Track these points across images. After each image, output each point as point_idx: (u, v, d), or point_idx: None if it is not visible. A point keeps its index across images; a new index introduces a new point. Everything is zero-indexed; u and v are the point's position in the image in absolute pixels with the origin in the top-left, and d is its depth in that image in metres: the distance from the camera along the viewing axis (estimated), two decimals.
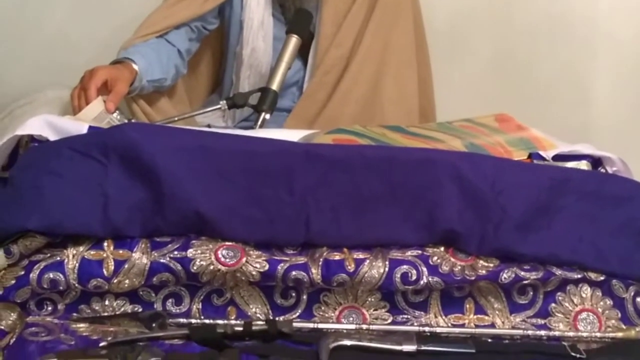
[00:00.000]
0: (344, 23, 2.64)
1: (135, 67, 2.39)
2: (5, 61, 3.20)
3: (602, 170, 2.01)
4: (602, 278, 1.77)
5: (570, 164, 1.97)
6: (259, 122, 2.40)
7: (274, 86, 2.43)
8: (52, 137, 1.81)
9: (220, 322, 1.68)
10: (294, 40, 2.48)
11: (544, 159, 1.98)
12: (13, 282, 1.64)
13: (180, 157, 1.71)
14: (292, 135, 2.05)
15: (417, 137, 2.02)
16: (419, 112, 2.76)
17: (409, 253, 1.74)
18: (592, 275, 1.77)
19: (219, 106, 2.43)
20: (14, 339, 1.55)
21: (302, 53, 2.65)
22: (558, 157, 2.00)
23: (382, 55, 2.67)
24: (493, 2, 3.22)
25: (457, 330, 1.73)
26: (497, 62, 3.29)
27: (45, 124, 1.82)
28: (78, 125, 1.84)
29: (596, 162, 2.02)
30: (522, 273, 1.74)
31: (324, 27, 2.64)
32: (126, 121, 2.19)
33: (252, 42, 2.68)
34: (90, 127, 1.84)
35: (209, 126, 2.65)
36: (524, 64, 3.28)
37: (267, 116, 2.41)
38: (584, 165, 1.98)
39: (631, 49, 3.29)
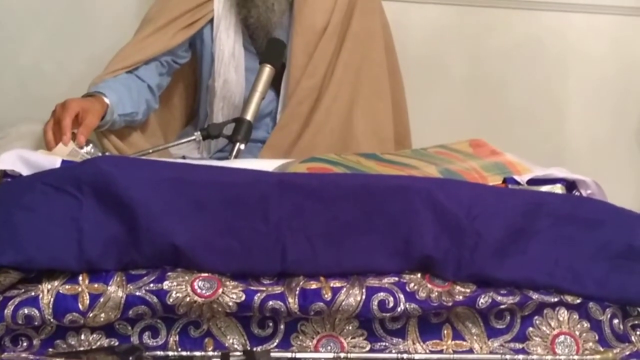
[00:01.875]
0: (314, 53, 2.65)
1: (106, 100, 2.38)
2: None
3: (577, 194, 2.01)
4: (578, 301, 1.77)
5: (544, 188, 1.98)
6: (234, 153, 2.40)
7: (248, 116, 2.43)
8: (25, 172, 1.80)
9: (197, 354, 1.67)
10: (267, 70, 2.48)
11: (518, 183, 1.99)
12: None
13: (155, 189, 1.70)
14: (267, 164, 2.05)
15: (392, 165, 2.02)
16: (395, 139, 2.77)
17: (385, 280, 1.73)
18: (569, 299, 1.77)
19: (193, 137, 2.43)
20: None
21: (275, 84, 2.66)
22: (532, 182, 2.00)
23: (355, 86, 2.68)
24: (465, 26, 3.26)
25: (435, 356, 1.73)
26: (471, 85, 3.33)
27: (18, 159, 1.81)
28: (51, 160, 1.84)
29: (570, 185, 2.03)
30: (499, 298, 1.74)
31: (295, 58, 2.65)
32: (100, 154, 2.18)
33: (224, 74, 2.69)
34: (64, 162, 1.83)
35: (184, 158, 2.66)
36: (498, 86, 3.33)
37: (242, 146, 2.41)
38: (558, 189, 1.98)
39: (604, 67, 3.34)
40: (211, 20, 2.69)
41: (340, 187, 1.77)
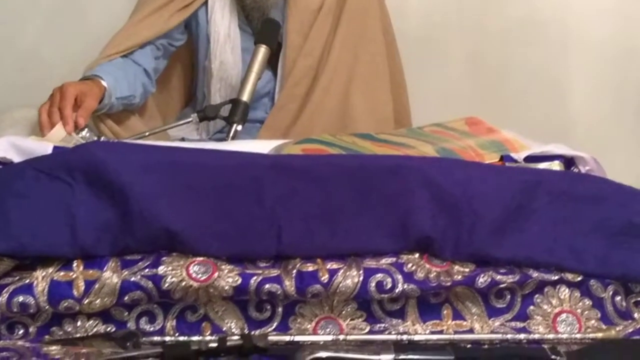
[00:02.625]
0: (310, 33, 2.63)
1: (104, 83, 2.37)
2: None
3: (575, 170, 1.99)
4: (579, 279, 1.75)
5: (542, 165, 1.96)
6: (231, 134, 2.38)
7: (245, 97, 2.41)
8: (17, 159, 1.79)
9: (194, 338, 1.65)
10: (262, 50, 2.47)
11: (515, 161, 1.97)
12: None
13: (148, 174, 1.69)
14: (264, 146, 2.04)
15: (387, 144, 2.00)
16: (394, 119, 2.75)
17: (383, 261, 1.71)
18: (570, 276, 1.75)
19: (190, 119, 2.42)
20: None
21: (272, 63, 2.64)
22: (530, 159, 1.98)
23: (352, 65, 2.66)
24: (464, 8, 3.24)
25: (435, 337, 1.70)
26: (471, 67, 3.31)
27: (9, 146, 1.80)
28: (43, 146, 1.82)
29: (569, 162, 2.01)
30: (499, 277, 1.72)
31: (290, 38, 2.63)
32: (95, 139, 2.17)
33: (220, 55, 2.68)
34: (56, 148, 1.82)
35: (183, 139, 2.65)
36: (498, 67, 3.30)
37: (239, 127, 2.39)
38: (556, 165, 1.97)
39: (604, 48, 3.31)
40: (206, 2, 2.67)
41: (335, 167, 1.75)
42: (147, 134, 2.39)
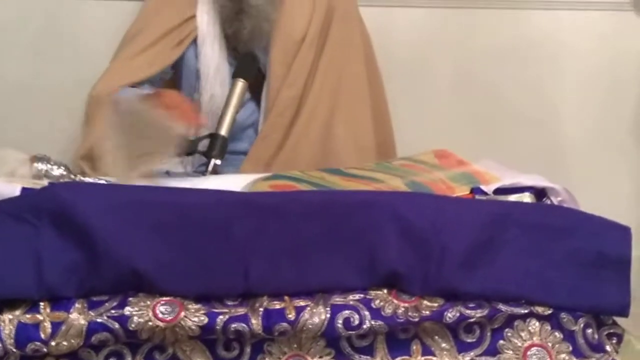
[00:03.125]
0: (293, 64, 2.63)
1: None
2: None
3: (547, 202, 1.98)
4: (549, 312, 1.75)
5: (512, 197, 1.95)
6: (209, 168, 2.38)
7: (223, 131, 2.41)
8: None
9: None
10: (240, 84, 2.47)
11: (485, 193, 1.96)
12: None
13: (113, 213, 1.68)
14: (239, 181, 2.03)
15: (356, 179, 2.00)
16: (377, 149, 2.74)
17: (350, 297, 1.71)
18: (540, 309, 1.75)
19: None
20: None
21: (256, 95, 2.64)
22: (500, 191, 1.97)
23: (334, 94, 2.66)
24: (451, 27, 3.25)
25: None
26: (460, 88, 3.31)
27: None
28: (11, 188, 1.82)
29: (540, 193, 1.99)
30: (467, 311, 1.72)
31: (273, 68, 2.63)
32: (72, 177, 2.16)
33: (210, 89, 2.67)
34: (24, 189, 1.82)
35: (167, 173, 2.63)
36: (489, 87, 3.30)
37: (218, 162, 2.39)
38: (527, 197, 1.95)
39: (595, 63, 3.31)
40: (195, 37, 2.68)
41: (302, 203, 1.75)
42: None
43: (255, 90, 2.61)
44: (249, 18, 2.60)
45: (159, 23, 2.67)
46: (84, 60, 3.16)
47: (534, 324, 1.75)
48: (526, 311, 1.74)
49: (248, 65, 2.55)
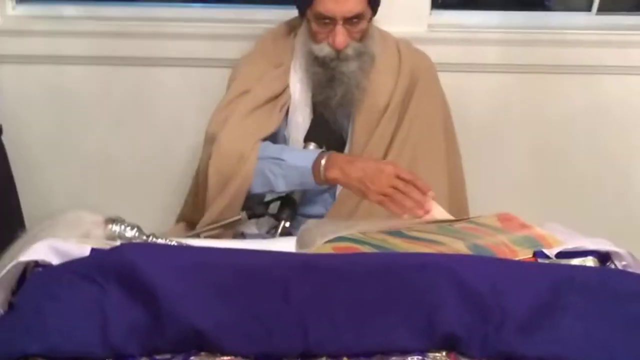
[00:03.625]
0: (375, 131, 2.67)
1: None
2: (53, 181, 3.32)
3: (611, 266, 1.97)
4: None
5: (575, 261, 1.94)
6: (279, 231, 2.42)
7: (294, 194, 2.45)
8: (56, 261, 1.84)
9: None
10: (310, 148, 2.51)
11: (548, 257, 1.95)
12: None
13: (177, 275, 1.74)
14: None
15: (418, 241, 2.01)
16: (455, 216, 2.74)
17: (409, 359, 1.72)
18: None
19: (239, 217, 2.46)
20: None
21: None
22: (564, 254, 1.96)
23: (411, 161, 2.67)
24: (527, 96, 3.24)
25: None
26: (532, 150, 3.31)
27: (49, 249, 1.86)
28: (81, 248, 1.88)
29: (604, 257, 1.98)
30: None
31: (356, 135, 2.68)
32: (145, 238, 2.22)
33: None
34: (93, 250, 1.87)
35: (242, 234, 2.69)
36: (562, 154, 3.30)
37: (287, 224, 2.42)
38: (589, 261, 1.94)
39: None
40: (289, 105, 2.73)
41: (361, 265, 1.78)
42: (202, 230, 2.44)
43: None
44: (341, 85, 2.64)
45: (263, 89, 2.71)
46: (163, 128, 3.25)
47: None
48: None
49: (320, 130, 2.58)
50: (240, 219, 2.47)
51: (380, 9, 2.68)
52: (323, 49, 2.61)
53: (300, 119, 2.72)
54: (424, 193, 2.30)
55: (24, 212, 3.21)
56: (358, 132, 2.70)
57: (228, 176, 2.53)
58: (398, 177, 2.33)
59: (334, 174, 2.41)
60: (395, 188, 2.32)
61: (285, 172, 2.48)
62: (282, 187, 2.51)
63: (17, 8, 3.35)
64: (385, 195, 2.33)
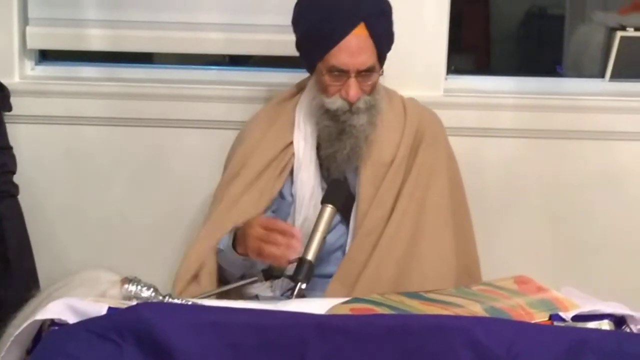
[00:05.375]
0: (382, 185, 2.67)
1: None
2: (69, 242, 3.33)
3: (627, 329, 1.96)
4: None
5: (591, 324, 1.94)
6: (295, 292, 2.41)
7: (309, 256, 2.44)
8: (72, 320, 1.84)
9: None
10: (328, 210, 2.50)
11: (564, 320, 1.95)
12: None
13: (194, 334, 1.74)
14: (320, 305, 2.05)
15: (435, 304, 2.01)
16: (464, 271, 2.75)
17: None
18: None
19: (255, 278, 2.46)
20: None
21: (346, 217, 2.69)
22: (580, 318, 1.96)
23: (418, 215, 2.68)
24: (540, 162, 3.27)
25: None
26: (549, 219, 3.30)
27: (65, 307, 1.86)
28: (97, 307, 1.88)
29: (620, 320, 1.98)
30: None
31: (363, 190, 2.68)
32: (161, 298, 2.22)
33: (304, 212, 2.71)
34: (110, 309, 1.88)
35: (256, 297, 2.68)
36: (577, 219, 3.29)
37: (303, 286, 2.42)
38: (605, 324, 1.94)
39: None
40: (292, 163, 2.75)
41: (378, 327, 1.78)
42: (216, 291, 2.43)
43: (344, 212, 2.65)
44: (350, 138, 2.65)
45: (259, 156, 2.73)
46: (179, 188, 3.27)
47: None
48: None
49: (337, 191, 2.58)
50: (256, 280, 2.46)
51: (397, 73, 2.72)
52: (335, 102, 2.63)
53: (306, 176, 2.73)
54: (290, 235, 2.34)
55: (39, 273, 3.22)
56: (365, 186, 2.69)
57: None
58: (261, 227, 2.38)
59: (240, 249, 2.48)
60: (260, 239, 2.36)
61: (225, 258, 2.56)
62: (236, 272, 2.59)
63: (36, 68, 3.39)
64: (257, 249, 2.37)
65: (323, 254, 2.59)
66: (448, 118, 2.93)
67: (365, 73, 2.60)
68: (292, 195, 2.74)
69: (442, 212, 2.72)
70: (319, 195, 2.70)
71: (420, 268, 2.59)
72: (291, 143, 2.75)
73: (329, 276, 2.67)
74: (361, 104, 2.62)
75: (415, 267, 2.60)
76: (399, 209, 2.65)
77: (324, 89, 2.64)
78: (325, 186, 2.72)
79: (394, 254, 2.61)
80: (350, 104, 2.61)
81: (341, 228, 2.71)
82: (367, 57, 2.59)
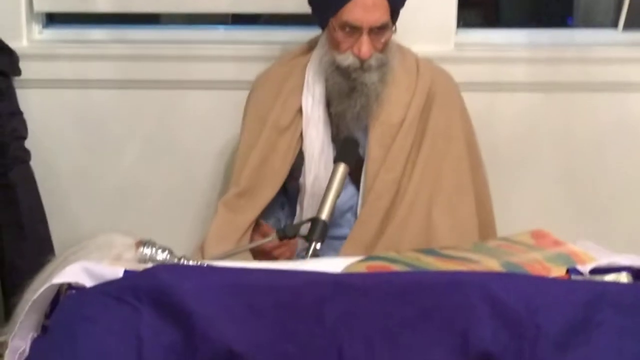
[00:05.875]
0: (392, 147, 2.66)
1: None
2: (82, 208, 3.32)
3: None
4: None
5: (609, 277, 1.92)
6: (310, 252, 2.41)
7: (324, 216, 2.43)
8: (89, 284, 1.84)
9: None
10: (341, 168, 2.49)
11: (581, 273, 1.94)
12: None
13: (211, 296, 1.74)
14: (336, 264, 2.05)
15: (452, 260, 2.00)
16: (479, 233, 2.74)
17: None
18: None
19: (269, 239, 2.45)
20: None
21: (355, 178, 2.68)
22: (597, 271, 1.95)
23: (435, 182, 2.67)
24: (553, 115, 3.23)
25: None
26: (563, 173, 3.28)
27: (82, 271, 1.85)
28: (114, 270, 1.87)
29: (638, 273, 1.97)
30: None
31: (372, 151, 2.67)
32: (175, 261, 2.22)
33: (314, 170, 2.72)
34: (126, 272, 1.87)
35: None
36: (590, 171, 3.27)
37: (318, 245, 2.41)
38: (623, 277, 1.92)
39: None
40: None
41: (394, 285, 1.77)
42: (229, 253, 2.43)
43: (353, 173, 2.64)
44: (361, 96, 2.66)
45: (277, 116, 2.77)
46: (191, 150, 3.26)
47: None
48: None
49: (350, 150, 2.57)
50: (271, 241, 2.46)
51: (407, 27, 2.69)
52: (347, 59, 2.63)
53: (314, 134, 2.73)
54: None
55: (53, 240, 3.22)
56: (374, 146, 2.69)
57: None
58: None
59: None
60: None
61: None
62: None
63: (44, 32, 3.37)
64: None
65: (334, 215, 2.58)
66: (459, 73, 2.92)
67: (378, 30, 2.58)
68: (302, 152, 2.74)
69: (459, 177, 2.72)
70: (329, 153, 2.71)
71: (437, 236, 2.59)
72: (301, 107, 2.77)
73: (341, 238, 2.68)
74: (373, 61, 2.61)
75: (432, 235, 2.59)
76: (416, 175, 2.66)
77: (335, 46, 2.62)
78: (334, 145, 2.71)
79: (411, 222, 2.61)
80: (362, 61, 2.59)
81: (351, 188, 2.71)
82: (381, 13, 2.57)
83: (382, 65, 2.65)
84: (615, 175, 3.27)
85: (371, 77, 2.64)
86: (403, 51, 2.80)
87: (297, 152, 2.74)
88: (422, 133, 2.71)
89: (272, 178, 2.72)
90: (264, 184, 2.72)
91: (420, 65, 2.80)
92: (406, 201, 2.64)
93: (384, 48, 2.64)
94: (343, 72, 2.64)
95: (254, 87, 2.89)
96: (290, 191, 2.84)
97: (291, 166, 2.74)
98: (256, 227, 2.70)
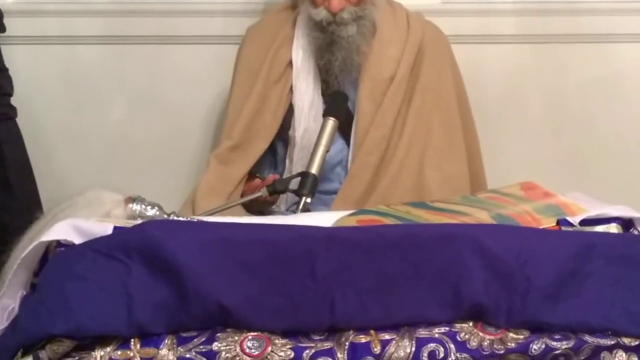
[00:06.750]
0: (383, 102, 2.65)
1: None
2: (70, 164, 3.31)
3: (635, 232, 1.96)
4: (636, 342, 1.73)
5: (599, 228, 1.93)
6: (300, 206, 2.41)
7: (313, 170, 2.44)
8: (78, 240, 1.83)
9: None
10: (330, 122, 2.49)
11: (572, 224, 1.94)
12: None
13: (201, 251, 1.73)
14: (328, 217, 2.05)
15: (442, 212, 2.01)
16: (470, 184, 2.74)
17: (436, 330, 1.72)
18: (626, 340, 1.73)
19: (259, 194, 2.45)
20: None
21: (344, 132, 2.67)
22: (587, 222, 1.95)
23: (426, 137, 2.67)
24: (541, 67, 3.22)
25: None
26: (552, 123, 3.29)
27: (71, 228, 1.84)
28: (103, 227, 1.86)
29: (628, 223, 1.97)
30: (553, 343, 1.71)
31: (362, 105, 2.67)
32: (165, 216, 2.21)
33: (304, 123, 2.72)
34: (115, 228, 1.87)
35: (262, 212, 2.68)
36: (581, 122, 3.27)
37: (308, 200, 2.42)
38: (613, 228, 1.93)
39: None
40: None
41: (385, 238, 1.77)
42: (220, 208, 2.42)
43: (343, 127, 2.63)
44: (340, 50, 2.66)
45: (268, 68, 2.76)
46: (179, 106, 3.24)
47: (621, 355, 1.73)
48: (613, 342, 1.73)
49: (339, 104, 2.58)
50: (261, 196, 2.45)
51: None
52: (320, 13, 2.64)
53: (304, 86, 2.73)
54: None
55: (41, 197, 3.20)
56: (364, 101, 2.69)
57: None
58: None
59: None
60: None
61: None
62: None
63: None
64: None
65: (324, 169, 2.58)
66: (446, 26, 2.91)
67: None
68: (291, 105, 2.73)
69: (450, 132, 2.72)
70: (319, 106, 2.71)
71: (429, 191, 2.58)
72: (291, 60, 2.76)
73: (331, 192, 2.68)
74: (346, 15, 2.62)
75: (424, 190, 2.59)
76: (407, 131, 2.66)
77: (311, 1, 2.62)
78: (325, 100, 2.70)
79: (403, 177, 2.61)
80: (334, 15, 2.58)
81: (340, 142, 2.70)
82: None
83: (358, 19, 2.66)
84: (603, 126, 3.27)
85: (347, 30, 2.64)
86: (393, 6, 2.79)
87: (287, 105, 2.72)
88: (412, 88, 2.71)
89: (264, 131, 2.71)
90: (256, 136, 2.71)
91: (410, 19, 2.78)
92: (397, 157, 2.63)
93: (360, 1, 2.63)
94: (320, 27, 2.66)
95: (245, 40, 2.87)
96: (279, 150, 2.83)
97: (282, 119, 2.72)
98: (248, 179, 2.69)
